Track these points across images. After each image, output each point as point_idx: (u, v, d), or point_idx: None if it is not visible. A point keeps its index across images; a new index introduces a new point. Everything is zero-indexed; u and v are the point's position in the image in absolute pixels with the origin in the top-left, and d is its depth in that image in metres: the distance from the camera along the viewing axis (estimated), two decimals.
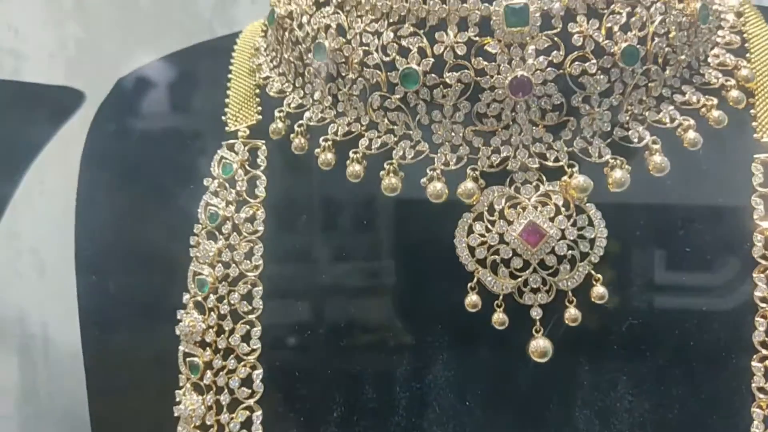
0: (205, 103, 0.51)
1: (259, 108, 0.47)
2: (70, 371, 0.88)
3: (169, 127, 0.51)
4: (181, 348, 0.42)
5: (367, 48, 0.41)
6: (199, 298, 0.43)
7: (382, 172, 0.41)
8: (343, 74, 0.42)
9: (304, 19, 0.44)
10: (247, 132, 0.46)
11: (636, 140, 0.40)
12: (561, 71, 0.39)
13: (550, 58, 0.39)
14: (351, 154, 0.42)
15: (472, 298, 0.39)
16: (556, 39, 0.39)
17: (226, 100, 0.48)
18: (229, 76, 0.50)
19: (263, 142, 0.45)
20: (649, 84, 0.41)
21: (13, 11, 0.86)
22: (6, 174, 0.58)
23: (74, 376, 0.88)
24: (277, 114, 0.45)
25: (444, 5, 0.40)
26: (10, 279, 0.84)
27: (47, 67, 0.85)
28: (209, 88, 0.51)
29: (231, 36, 0.55)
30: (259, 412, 0.41)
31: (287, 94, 0.46)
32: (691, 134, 0.40)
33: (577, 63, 0.39)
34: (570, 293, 0.39)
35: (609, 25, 0.39)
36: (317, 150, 0.43)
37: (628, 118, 0.41)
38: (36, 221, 0.81)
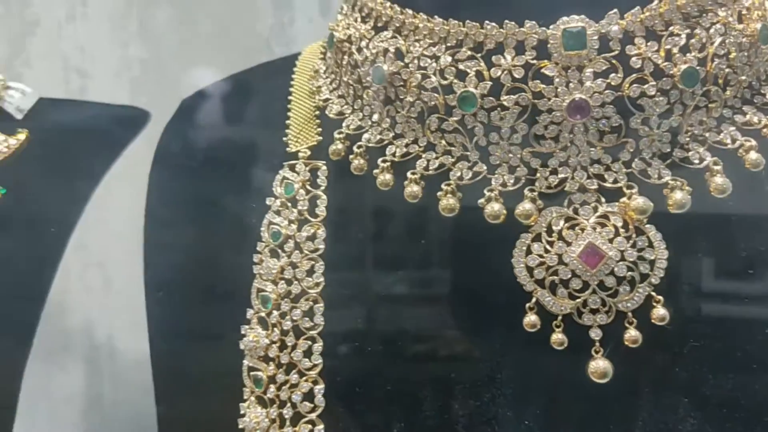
0: (266, 123, 0.52)
1: (319, 129, 0.48)
2: (135, 381, 0.91)
3: (232, 146, 0.53)
4: (245, 362, 0.44)
5: (424, 71, 0.42)
6: (263, 314, 0.44)
7: (439, 193, 0.42)
8: (401, 97, 0.43)
9: (363, 44, 0.45)
10: (308, 153, 0.47)
11: (697, 161, 0.40)
12: (619, 93, 0.39)
13: (608, 81, 0.39)
14: (409, 175, 0.43)
15: (531, 318, 0.40)
16: (614, 61, 0.39)
17: (287, 122, 0.50)
18: (290, 97, 0.51)
19: (323, 162, 0.47)
20: (710, 105, 0.41)
21: (81, 32, 0.89)
22: (76, 191, 0.61)
23: (138, 385, 0.91)
24: (336, 135, 0.47)
25: (501, 29, 0.40)
26: (78, 291, 0.88)
27: (112, 86, 0.89)
28: (270, 109, 0.53)
29: (291, 57, 0.57)
30: (320, 426, 0.42)
31: (346, 115, 0.47)
32: (753, 155, 0.40)
33: (635, 85, 0.39)
34: (630, 314, 0.39)
35: (668, 46, 0.39)
36: (376, 171, 0.44)
37: (688, 139, 0.41)
38: (103, 236, 0.85)
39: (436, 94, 0.42)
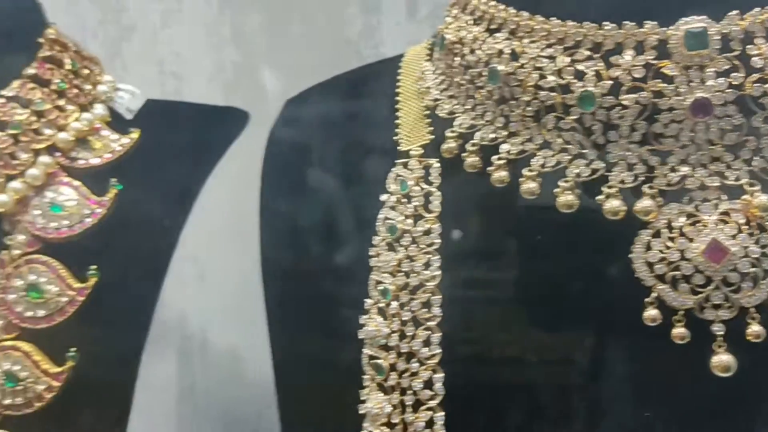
0: (374, 123, 0.55)
1: (430, 128, 0.50)
2: (225, 371, 0.94)
3: (342, 145, 0.55)
4: (365, 351, 0.45)
5: (541, 71, 0.43)
6: (382, 305, 0.46)
7: (557, 190, 0.43)
8: (517, 96, 0.45)
9: (476, 45, 0.47)
10: (421, 151, 0.49)
11: None
12: (741, 92, 0.40)
13: (729, 80, 0.40)
14: (525, 173, 0.44)
15: (652, 313, 0.40)
16: (735, 61, 0.40)
17: (396, 121, 0.51)
18: (397, 98, 0.53)
19: (436, 160, 0.48)
20: None
21: (177, 36, 0.93)
22: (185, 187, 0.63)
23: (228, 376, 0.94)
24: (449, 134, 0.48)
25: (620, 30, 0.41)
26: (173, 285, 0.91)
27: (206, 88, 0.92)
28: (377, 109, 0.55)
29: (393, 59, 0.58)
30: (440, 414, 0.43)
31: (457, 115, 0.49)
32: None
33: (757, 84, 0.40)
34: (753, 309, 0.40)
35: None
36: (490, 168, 0.46)
37: None
38: (197, 232, 0.88)
39: (553, 93, 0.43)
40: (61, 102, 0.58)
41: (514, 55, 0.44)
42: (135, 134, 0.61)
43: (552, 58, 0.43)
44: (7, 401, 0.52)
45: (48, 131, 0.57)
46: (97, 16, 0.94)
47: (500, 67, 0.45)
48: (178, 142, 0.65)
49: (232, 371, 0.91)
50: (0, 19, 0.62)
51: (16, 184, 0.55)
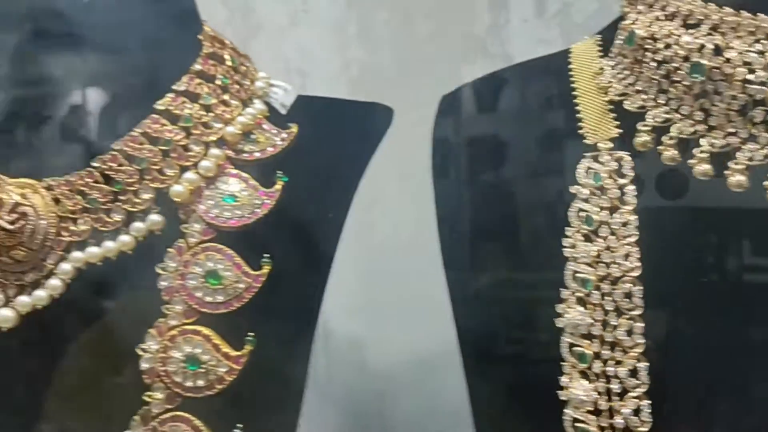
0: (549, 117, 0.56)
1: (617, 122, 0.51)
2: (348, 360, 0.96)
3: (519, 137, 0.56)
4: (565, 339, 0.46)
5: (750, 66, 0.44)
6: (581, 295, 0.47)
7: (766, 182, 0.44)
8: (720, 91, 0.45)
9: (671, 40, 0.47)
10: (610, 144, 0.50)
11: None
12: None
13: None
14: (732, 165, 0.45)
15: None
16: None
17: (578, 116, 0.52)
18: (574, 93, 0.54)
19: (627, 153, 0.49)
20: None
21: (303, 35, 0.95)
22: (345, 178, 0.64)
23: (350, 364, 0.96)
24: (641, 128, 0.49)
25: None
26: None
27: (331, 86, 0.94)
28: (551, 103, 0.56)
29: (554, 56, 0.59)
30: (646, 402, 0.44)
31: (648, 109, 0.50)
32: None
33: None
34: None
35: None
36: (691, 161, 0.46)
37: None
38: None
39: (764, 88, 0.44)
40: (225, 97, 0.60)
41: (718, 50, 0.45)
42: (294, 128, 0.61)
43: (762, 53, 0.44)
44: (189, 384, 0.53)
45: (217, 125, 0.58)
46: (225, 15, 0.97)
47: (704, 61, 0.45)
48: (334, 136, 0.67)
49: (355, 360, 0.93)
50: (164, 17, 0.64)
51: (190, 175, 0.57)
